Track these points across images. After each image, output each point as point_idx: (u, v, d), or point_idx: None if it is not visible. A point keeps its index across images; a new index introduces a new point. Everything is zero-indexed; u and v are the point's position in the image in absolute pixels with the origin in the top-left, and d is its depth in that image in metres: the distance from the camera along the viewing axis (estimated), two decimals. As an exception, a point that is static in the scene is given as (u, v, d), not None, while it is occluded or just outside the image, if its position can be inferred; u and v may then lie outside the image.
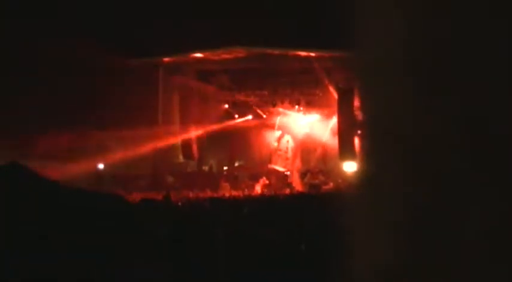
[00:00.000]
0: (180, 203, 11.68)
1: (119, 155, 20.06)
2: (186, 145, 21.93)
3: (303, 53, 19.57)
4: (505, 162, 0.91)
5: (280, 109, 23.22)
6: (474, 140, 0.94)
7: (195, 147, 22.07)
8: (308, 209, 8.61)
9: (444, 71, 0.98)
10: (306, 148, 23.59)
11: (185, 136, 21.89)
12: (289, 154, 23.71)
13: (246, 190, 20.16)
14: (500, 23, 0.95)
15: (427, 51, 1.00)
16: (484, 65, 0.95)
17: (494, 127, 0.94)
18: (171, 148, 22.55)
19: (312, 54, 19.50)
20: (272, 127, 24.20)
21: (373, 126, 1.12)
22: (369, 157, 1.14)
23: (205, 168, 23.47)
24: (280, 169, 22.56)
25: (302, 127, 23.68)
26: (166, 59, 20.53)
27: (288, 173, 21.98)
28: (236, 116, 24.22)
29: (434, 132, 0.98)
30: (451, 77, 0.98)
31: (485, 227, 0.90)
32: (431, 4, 0.98)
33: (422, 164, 0.98)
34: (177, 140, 22.16)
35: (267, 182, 20.94)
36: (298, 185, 20.87)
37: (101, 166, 20.21)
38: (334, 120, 21.09)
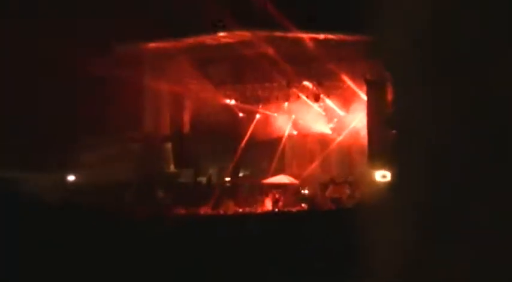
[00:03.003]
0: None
1: (94, 162, 19.84)
2: (179, 151, 21.75)
3: (321, 36, 19.29)
4: None
5: (295, 105, 23.06)
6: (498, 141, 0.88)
7: (189, 154, 21.90)
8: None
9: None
10: (327, 152, 23.35)
11: (177, 140, 21.74)
12: (307, 160, 23.48)
13: (254, 207, 19.77)
14: None
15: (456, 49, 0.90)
16: None
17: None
18: (161, 154, 22.38)
19: (333, 37, 19.23)
20: (285, 127, 24.02)
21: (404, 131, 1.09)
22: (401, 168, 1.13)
23: (203, 179, 23.20)
24: (291, 180, 22.04)
25: (322, 127, 23.52)
26: (152, 45, 20.24)
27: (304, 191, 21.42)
28: (240, 114, 24.09)
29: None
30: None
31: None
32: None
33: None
34: (167, 144, 22.03)
35: (277, 196, 20.54)
36: (316, 199, 20.45)
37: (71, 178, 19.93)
38: (362, 118, 20.88)
